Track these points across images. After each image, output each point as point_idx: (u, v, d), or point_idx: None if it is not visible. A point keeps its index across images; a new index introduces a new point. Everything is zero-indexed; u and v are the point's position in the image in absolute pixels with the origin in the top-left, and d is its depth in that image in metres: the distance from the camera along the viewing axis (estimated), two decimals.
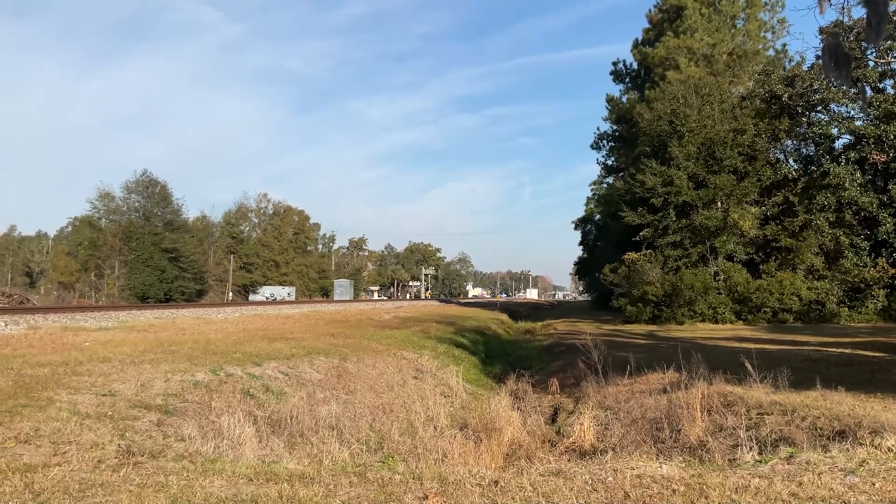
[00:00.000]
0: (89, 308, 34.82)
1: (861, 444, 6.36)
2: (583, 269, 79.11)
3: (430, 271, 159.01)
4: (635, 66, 57.71)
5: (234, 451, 7.41)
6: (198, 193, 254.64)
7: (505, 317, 52.90)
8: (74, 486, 4.84)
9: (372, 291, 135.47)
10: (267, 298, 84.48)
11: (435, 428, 11.01)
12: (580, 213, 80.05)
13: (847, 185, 32.32)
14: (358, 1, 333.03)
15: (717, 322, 33.23)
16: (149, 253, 70.80)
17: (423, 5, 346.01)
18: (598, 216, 68.53)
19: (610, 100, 59.24)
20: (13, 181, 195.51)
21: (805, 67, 35.67)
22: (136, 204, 75.51)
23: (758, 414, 8.94)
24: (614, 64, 60.21)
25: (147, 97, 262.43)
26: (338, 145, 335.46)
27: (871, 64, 31.47)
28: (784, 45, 48.89)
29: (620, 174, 51.42)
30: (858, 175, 32.75)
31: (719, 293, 34.45)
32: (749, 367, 10.43)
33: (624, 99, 57.76)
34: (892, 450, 6.02)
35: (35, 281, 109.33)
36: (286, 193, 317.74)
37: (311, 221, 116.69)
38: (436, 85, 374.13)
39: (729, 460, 6.65)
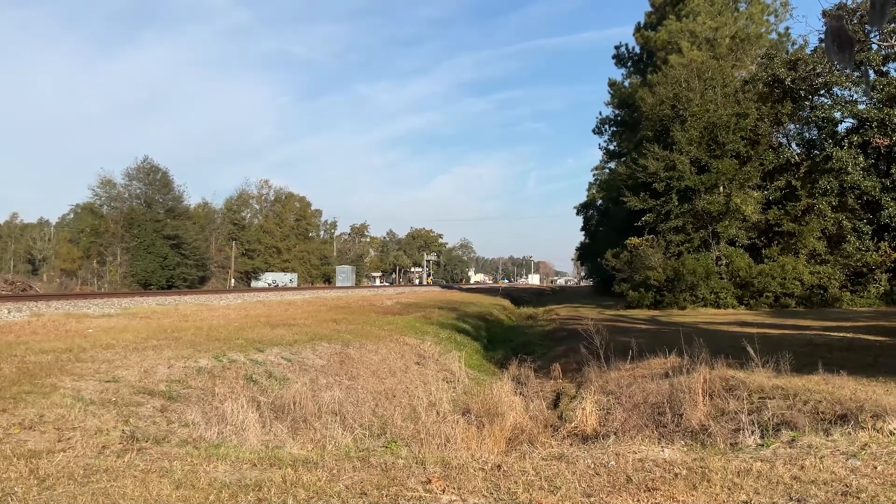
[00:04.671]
0: (92, 295, 34.88)
1: (863, 428, 6.36)
2: (585, 255, 79.04)
3: (432, 257, 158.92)
4: (638, 50, 57.32)
5: (238, 437, 7.44)
6: (205, 180, 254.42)
7: (507, 302, 52.96)
8: (79, 472, 4.87)
9: (374, 277, 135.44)
10: (269, 285, 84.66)
11: (437, 413, 11.03)
12: (584, 198, 79.83)
13: (850, 168, 32.20)
14: None
15: (719, 307, 33.23)
16: (151, 240, 70.84)
17: None
18: (600, 201, 68.36)
19: (612, 84, 58.93)
20: (16, 168, 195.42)
21: (808, 51, 35.46)
22: (138, 191, 75.49)
23: (760, 398, 8.95)
24: (616, 48, 59.89)
25: (154, 84, 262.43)
26: (345, 131, 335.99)
27: (875, 47, 31.29)
28: (787, 28, 48.65)
29: (623, 159, 51.23)
30: (861, 159, 32.63)
31: (721, 278, 34.44)
32: (751, 351, 10.45)
33: (626, 83, 57.46)
34: (894, 433, 6.02)
35: (37, 268, 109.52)
36: (294, 179, 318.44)
37: (312, 208, 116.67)
38: (443, 69, 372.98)
39: (731, 444, 6.65)
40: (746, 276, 33.59)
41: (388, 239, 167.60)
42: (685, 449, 5.84)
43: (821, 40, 30.25)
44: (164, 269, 71.26)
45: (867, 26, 27.31)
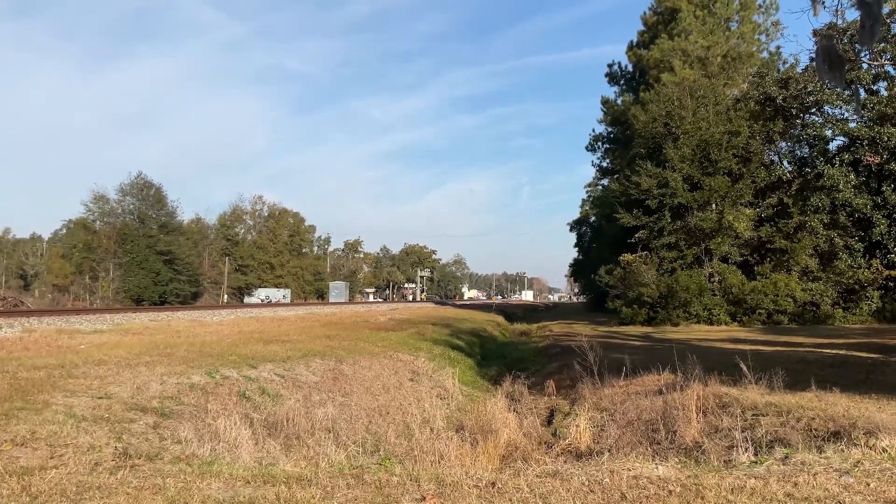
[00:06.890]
0: (84, 311, 34.71)
1: (856, 445, 6.38)
2: (578, 271, 79.11)
3: (426, 273, 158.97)
4: (630, 68, 57.79)
5: (231, 454, 7.41)
6: (199, 193, 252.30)
7: (500, 318, 52.89)
8: (72, 489, 4.84)
9: (367, 293, 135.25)
10: (262, 301, 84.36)
11: (431, 430, 11.00)
12: (577, 214, 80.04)
13: (841, 186, 32.36)
14: (360, 0, 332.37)
15: (712, 323, 33.29)
16: (143, 255, 70.63)
17: (425, 5, 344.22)
18: (593, 218, 68.47)
19: (605, 102, 59.29)
20: (8, 182, 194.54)
21: (799, 69, 35.72)
22: (131, 206, 75.33)
23: (753, 415, 8.96)
24: (609, 66, 60.30)
25: (148, 97, 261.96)
26: (339, 145, 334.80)
27: (865, 66, 31.57)
28: (778, 47, 49.06)
29: (615, 176, 51.51)
30: (852, 177, 32.81)
31: (714, 295, 34.52)
32: (744, 368, 10.45)
33: (619, 101, 57.79)
34: (887, 450, 6.04)
35: (29, 283, 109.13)
36: (287, 193, 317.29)
37: (306, 223, 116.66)
38: (437, 85, 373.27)
39: (724, 461, 6.66)
40: (739, 293, 33.70)
41: (381, 255, 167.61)
42: (679, 466, 5.85)
43: (812, 59, 30.58)
44: (156, 285, 71.02)
45: (857, 45, 27.62)
